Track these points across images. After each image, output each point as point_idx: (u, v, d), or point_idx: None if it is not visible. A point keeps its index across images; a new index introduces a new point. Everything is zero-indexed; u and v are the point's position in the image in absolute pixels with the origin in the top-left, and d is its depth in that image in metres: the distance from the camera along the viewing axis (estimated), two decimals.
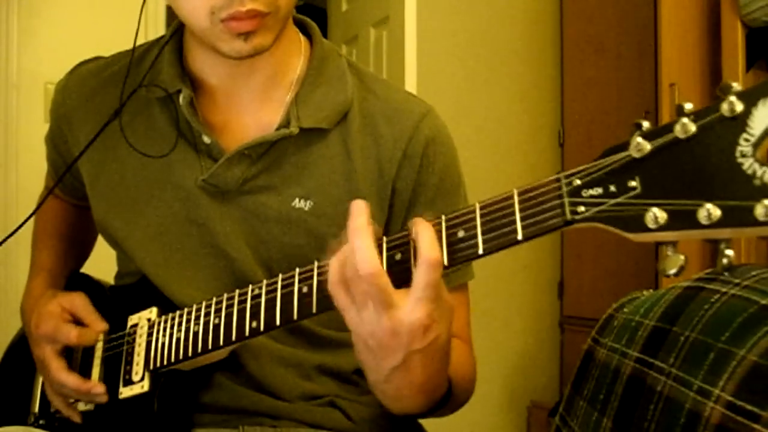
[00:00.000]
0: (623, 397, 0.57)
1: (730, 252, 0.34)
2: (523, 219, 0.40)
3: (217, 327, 0.55)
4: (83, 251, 0.82)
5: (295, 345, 0.64)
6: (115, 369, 0.63)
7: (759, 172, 0.33)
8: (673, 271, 0.36)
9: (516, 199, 0.41)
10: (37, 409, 0.69)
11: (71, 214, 0.80)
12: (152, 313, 0.63)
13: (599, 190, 0.38)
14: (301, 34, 0.66)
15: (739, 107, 0.34)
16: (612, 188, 0.37)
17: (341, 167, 0.62)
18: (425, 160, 0.64)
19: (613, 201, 0.37)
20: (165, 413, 0.60)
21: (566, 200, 0.39)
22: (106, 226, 0.67)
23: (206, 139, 0.62)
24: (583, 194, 0.38)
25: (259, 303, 0.53)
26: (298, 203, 0.61)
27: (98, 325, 0.64)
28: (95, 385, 0.62)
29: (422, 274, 0.42)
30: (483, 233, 0.42)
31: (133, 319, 0.64)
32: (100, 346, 0.66)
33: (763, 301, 0.48)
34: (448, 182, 0.66)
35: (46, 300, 0.67)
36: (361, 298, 0.44)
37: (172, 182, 0.63)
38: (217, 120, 0.64)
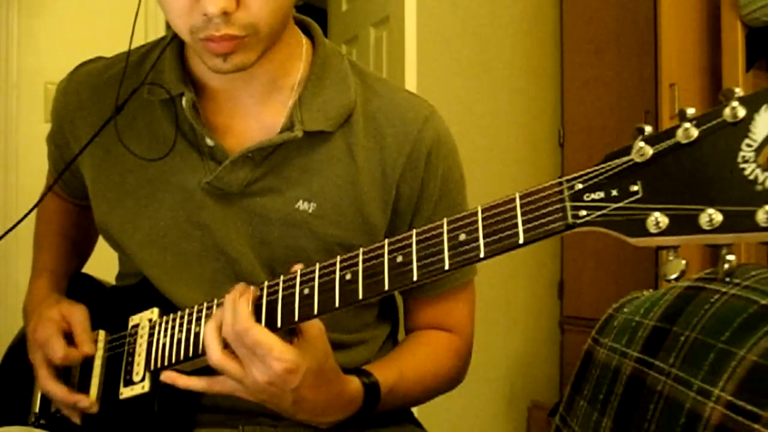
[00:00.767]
0: (623, 397, 0.57)
1: (731, 257, 0.34)
2: (524, 223, 0.40)
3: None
4: (85, 251, 0.82)
5: None
6: (116, 369, 0.64)
7: (761, 178, 0.33)
8: (674, 276, 0.36)
9: (518, 202, 0.41)
10: (37, 409, 0.70)
11: (73, 214, 0.80)
12: (153, 313, 0.63)
13: (601, 195, 0.38)
14: (302, 35, 0.66)
15: (742, 113, 0.34)
16: (614, 192, 0.37)
17: (345, 170, 0.62)
18: (429, 164, 0.64)
19: (614, 205, 0.37)
20: (165, 414, 0.60)
21: (568, 204, 0.39)
22: (107, 228, 0.67)
23: (209, 142, 0.62)
24: (585, 198, 0.38)
25: (260, 305, 0.53)
26: (301, 205, 0.61)
27: (86, 347, 0.64)
28: (81, 398, 0.62)
29: (243, 341, 0.50)
30: (484, 236, 0.42)
31: (134, 320, 0.64)
32: (101, 346, 0.66)
33: (763, 301, 0.49)
34: (451, 185, 0.66)
35: (49, 304, 0.67)
36: (248, 359, 0.51)
37: (174, 184, 0.63)
38: (219, 122, 0.64)
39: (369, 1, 1.92)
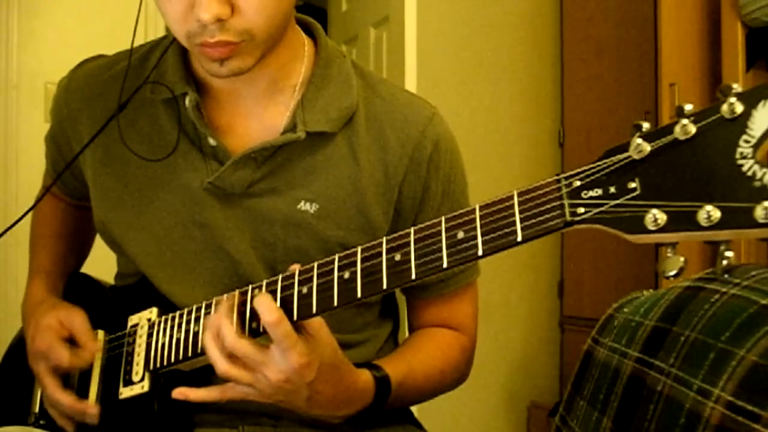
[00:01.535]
0: (623, 397, 0.57)
1: (729, 254, 0.34)
2: (522, 220, 0.40)
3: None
4: (82, 251, 0.82)
5: None
6: (116, 369, 0.63)
7: (759, 174, 0.33)
8: (672, 273, 0.36)
9: (516, 200, 0.41)
10: (37, 409, 0.69)
11: (69, 214, 0.80)
12: (152, 313, 0.63)
13: (599, 192, 0.38)
14: (305, 36, 0.66)
15: (740, 108, 0.34)
16: (612, 189, 0.37)
17: (347, 170, 0.62)
18: (432, 165, 0.64)
19: (612, 202, 0.37)
20: (165, 413, 0.60)
21: (566, 201, 0.39)
22: (107, 227, 0.67)
23: (212, 142, 0.62)
24: (583, 195, 0.38)
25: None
26: (303, 206, 0.61)
27: (91, 352, 0.64)
28: (90, 406, 0.62)
29: (271, 334, 0.50)
30: (483, 234, 0.42)
31: (133, 320, 0.64)
32: (100, 346, 0.66)
33: (763, 301, 0.48)
34: (454, 185, 0.66)
35: (45, 310, 0.67)
36: (258, 362, 0.51)
37: (176, 184, 0.63)
38: (222, 122, 0.64)
39: (369, 1, 1.92)
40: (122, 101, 0.64)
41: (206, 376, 0.61)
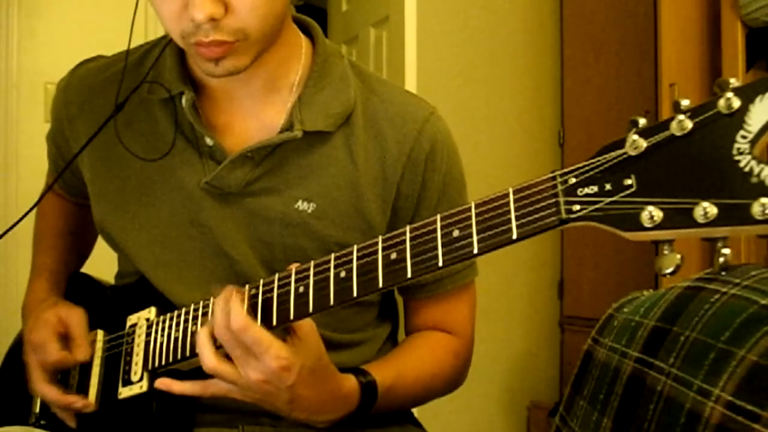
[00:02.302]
0: (623, 397, 0.56)
1: (726, 250, 0.34)
2: (518, 218, 0.40)
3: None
4: (84, 250, 0.82)
5: None
6: (115, 369, 0.63)
7: (756, 170, 0.32)
8: (669, 270, 0.36)
9: (511, 197, 0.41)
10: (38, 409, 0.69)
11: (72, 213, 0.80)
12: (151, 313, 0.63)
13: (594, 189, 0.37)
14: (302, 35, 0.66)
15: (737, 103, 0.33)
16: (607, 186, 0.37)
17: (344, 170, 0.62)
18: (429, 164, 0.64)
19: (608, 199, 0.37)
20: (164, 413, 0.60)
21: (561, 199, 0.39)
22: (106, 227, 0.67)
23: (209, 141, 0.62)
24: (579, 193, 0.38)
25: (256, 303, 0.53)
26: (300, 205, 0.61)
27: (80, 354, 0.63)
28: (75, 400, 0.62)
29: (242, 340, 0.50)
30: (478, 232, 0.41)
31: (131, 319, 0.64)
32: (100, 346, 0.66)
33: (763, 301, 0.48)
34: (451, 185, 0.66)
35: (47, 306, 0.67)
36: (242, 359, 0.51)
37: (173, 184, 0.63)
38: (219, 122, 0.64)
39: (369, 1, 1.92)
40: (119, 101, 0.64)
41: (205, 375, 0.61)
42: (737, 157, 0.33)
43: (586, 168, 0.38)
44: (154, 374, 0.60)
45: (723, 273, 0.32)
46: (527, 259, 1.92)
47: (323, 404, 0.55)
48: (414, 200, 0.64)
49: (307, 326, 0.52)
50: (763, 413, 0.42)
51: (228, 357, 0.52)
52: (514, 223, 0.40)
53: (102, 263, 0.79)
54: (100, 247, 0.76)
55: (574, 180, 0.38)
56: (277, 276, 0.52)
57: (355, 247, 0.48)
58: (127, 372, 0.62)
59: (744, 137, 0.33)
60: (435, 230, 0.44)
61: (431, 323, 0.69)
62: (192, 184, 0.63)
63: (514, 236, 0.40)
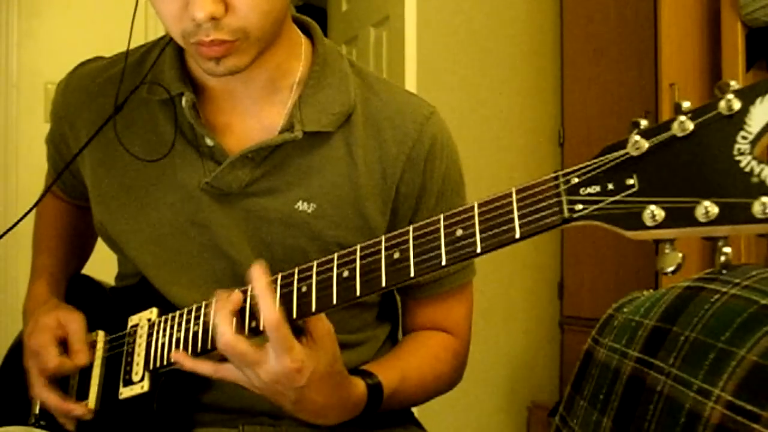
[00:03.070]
0: (623, 397, 0.56)
1: (727, 249, 0.34)
2: (521, 217, 0.40)
3: (216, 327, 0.55)
4: (84, 252, 0.82)
5: None
6: (116, 369, 0.63)
7: (756, 170, 0.33)
8: (670, 269, 0.36)
9: (514, 197, 0.41)
10: (38, 410, 0.69)
11: (72, 215, 0.80)
12: (152, 313, 0.63)
13: (597, 188, 0.38)
14: (302, 35, 0.66)
15: (737, 105, 0.34)
16: (610, 186, 0.37)
17: (344, 170, 0.62)
18: (429, 164, 0.64)
19: (610, 199, 0.37)
20: (165, 413, 0.60)
21: (564, 198, 0.39)
22: (106, 228, 0.67)
23: (209, 142, 0.62)
24: (581, 192, 0.38)
25: (258, 303, 0.53)
26: (300, 206, 0.61)
27: (79, 359, 0.63)
28: (75, 407, 0.62)
29: (269, 334, 0.49)
30: (481, 231, 0.42)
31: (133, 320, 0.64)
32: (101, 346, 0.66)
33: (763, 301, 0.48)
34: (451, 185, 0.66)
35: (47, 309, 0.67)
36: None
37: (174, 184, 0.63)
38: (219, 122, 0.64)
39: (369, 1, 1.92)
40: (119, 102, 0.64)
41: (205, 377, 0.61)
42: (738, 158, 0.33)
43: (589, 168, 0.38)
44: (155, 374, 0.60)
45: (724, 272, 0.32)
46: (527, 259, 1.92)
47: (330, 409, 0.55)
48: (413, 200, 0.64)
49: (323, 329, 0.52)
50: (763, 413, 0.42)
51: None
52: (517, 223, 0.40)
53: (102, 265, 0.79)
54: (100, 248, 0.76)
55: (576, 180, 0.39)
56: (279, 276, 0.52)
57: (359, 247, 0.48)
58: (128, 372, 0.62)
59: (744, 138, 0.33)
60: (438, 230, 0.44)
61: (430, 323, 0.69)
62: (192, 185, 0.63)
63: (517, 235, 0.40)
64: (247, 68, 0.56)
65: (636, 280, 1.62)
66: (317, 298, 0.49)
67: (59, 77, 0.72)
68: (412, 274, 0.44)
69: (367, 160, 0.63)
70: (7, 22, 1.68)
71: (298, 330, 0.52)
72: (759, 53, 1.47)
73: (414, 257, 0.44)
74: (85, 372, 0.65)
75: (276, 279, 0.52)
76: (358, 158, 0.62)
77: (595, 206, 0.38)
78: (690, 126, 0.35)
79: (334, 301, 0.48)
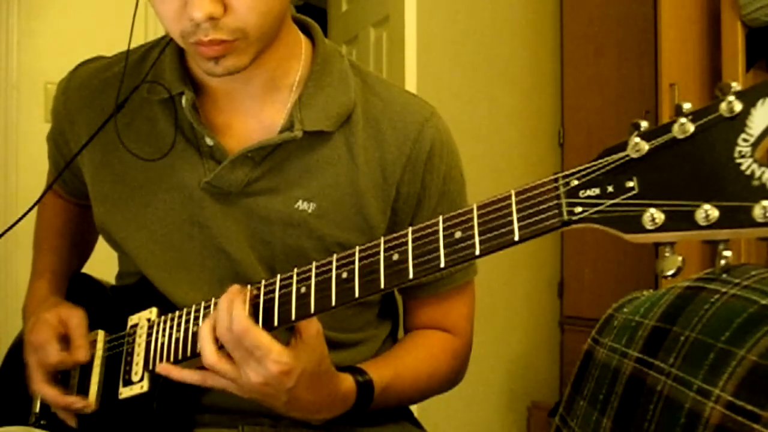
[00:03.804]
0: (623, 397, 0.56)
1: (728, 253, 0.34)
2: (520, 220, 0.40)
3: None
4: (85, 251, 0.82)
5: None
6: (115, 369, 0.63)
7: (757, 173, 0.33)
8: (670, 272, 0.36)
9: (513, 199, 0.41)
10: (38, 409, 0.69)
11: (73, 213, 0.80)
12: (152, 313, 0.63)
13: (596, 191, 0.37)
14: (302, 35, 0.66)
15: (738, 107, 0.34)
16: (609, 189, 0.37)
17: (344, 170, 0.62)
18: (429, 165, 0.64)
19: (610, 202, 0.37)
20: (164, 413, 0.60)
21: (563, 201, 0.39)
22: (106, 227, 0.67)
23: (209, 141, 0.62)
24: (581, 195, 0.38)
25: (258, 304, 0.53)
26: (301, 205, 0.61)
27: (80, 355, 0.63)
28: (75, 400, 0.62)
29: (243, 343, 0.50)
30: (480, 234, 0.42)
31: (133, 320, 0.64)
32: (100, 346, 0.66)
33: (763, 301, 0.48)
34: (451, 185, 0.66)
35: (48, 306, 0.67)
36: (243, 360, 0.51)
37: (174, 184, 0.63)
38: (219, 121, 0.64)
39: (369, 1, 1.92)
40: (119, 102, 0.64)
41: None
42: (739, 160, 0.33)
43: (588, 170, 0.38)
44: (154, 374, 0.60)
45: (724, 275, 0.32)
46: (527, 259, 1.92)
47: (320, 405, 0.56)
48: (414, 200, 0.64)
49: (312, 330, 0.52)
50: (763, 413, 0.42)
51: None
52: (516, 225, 0.40)
53: (102, 264, 0.79)
54: (101, 247, 0.76)
55: (576, 182, 0.38)
56: (279, 277, 0.52)
57: (357, 248, 0.48)
58: (128, 372, 0.62)
59: (745, 140, 0.33)
60: (437, 231, 0.44)
61: (430, 322, 0.69)
62: (192, 184, 0.63)
63: (516, 238, 0.40)
64: (247, 68, 0.56)
65: (636, 280, 1.62)
66: (316, 299, 0.49)
67: (59, 77, 0.72)
68: (410, 276, 0.44)
69: (368, 160, 0.63)
70: (7, 22, 1.68)
71: (289, 330, 0.52)
72: (759, 53, 1.47)
73: (413, 259, 0.44)
74: (85, 372, 0.65)
75: (275, 280, 0.52)
76: (358, 158, 0.62)
77: (595, 209, 0.37)
78: (691, 128, 0.35)
79: (333, 303, 0.48)
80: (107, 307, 0.69)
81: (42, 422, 0.68)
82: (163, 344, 0.59)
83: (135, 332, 0.63)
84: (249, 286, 0.54)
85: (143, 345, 0.62)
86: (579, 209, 0.38)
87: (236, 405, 0.62)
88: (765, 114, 0.33)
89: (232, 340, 0.51)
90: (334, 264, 0.49)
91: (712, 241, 0.35)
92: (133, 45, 0.67)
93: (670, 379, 0.51)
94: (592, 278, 1.83)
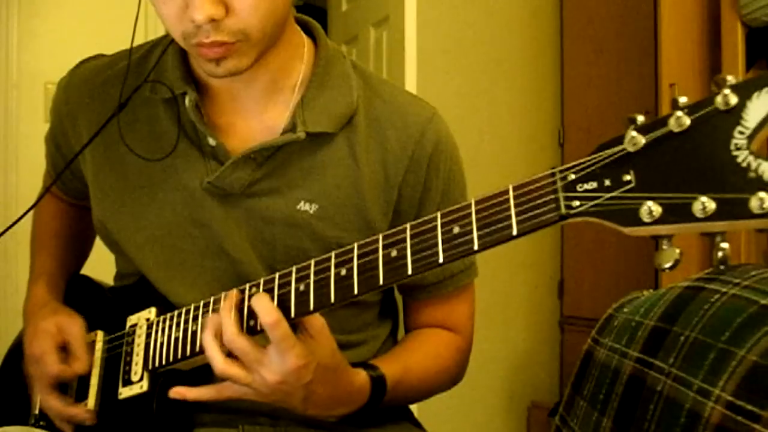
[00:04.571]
0: (623, 397, 0.56)
1: (725, 245, 0.34)
2: (518, 214, 0.40)
3: (208, 325, 0.55)
4: (83, 252, 0.82)
5: None
6: (115, 369, 0.63)
7: (753, 165, 0.33)
8: (668, 265, 0.36)
9: (511, 194, 0.41)
10: (37, 410, 0.69)
11: (70, 214, 0.80)
12: (151, 313, 0.63)
13: (594, 185, 0.38)
14: (304, 36, 0.66)
15: (734, 100, 0.34)
16: (607, 182, 0.37)
17: (347, 171, 0.62)
18: (432, 166, 0.64)
19: (607, 195, 0.37)
20: (164, 413, 0.60)
21: (561, 195, 0.39)
22: (106, 227, 0.67)
23: (212, 142, 0.62)
24: (578, 189, 0.38)
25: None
26: (303, 206, 0.62)
27: (80, 365, 0.64)
28: (79, 412, 0.63)
29: (270, 335, 0.50)
30: (478, 229, 0.42)
31: (132, 320, 0.64)
32: (100, 347, 0.66)
33: (763, 301, 0.48)
34: (453, 186, 0.66)
35: (46, 314, 0.67)
36: (255, 361, 0.51)
37: (176, 184, 0.63)
38: (222, 122, 0.64)
39: (369, 1, 1.92)
40: (122, 100, 0.64)
41: (205, 375, 0.61)
42: (735, 153, 0.33)
43: (586, 164, 0.38)
44: (154, 374, 0.60)
45: (722, 267, 0.32)
46: (527, 258, 1.92)
47: (337, 399, 0.56)
48: (416, 202, 0.64)
49: (318, 324, 0.52)
50: (763, 413, 0.42)
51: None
52: (514, 219, 0.40)
53: (101, 264, 0.78)
54: (100, 248, 0.76)
55: (573, 176, 0.39)
56: (277, 275, 0.52)
57: (356, 245, 0.48)
58: (128, 372, 0.62)
59: (741, 133, 0.33)
60: (435, 227, 0.44)
61: (434, 321, 0.69)
62: (194, 185, 0.63)
63: (514, 232, 0.40)
64: (248, 70, 0.56)
65: (636, 280, 1.62)
66: (315, 297, 0.49)
67: (59, 77, 0.72)
68: (409, 272, 0.44)
69: (370, 161, 0.63)
70: (7, 22, 1.68)
71: (295, 328, 0.52)
72: (759, 53, 1.47)
73: (411, 255, 0.44)
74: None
75: (274, 278, 0.52)
76: (360, 159, 0.62)
77: (592, 202, 0.38)
78: (687, 121, 0.35)
79: (332, 300, 0.48)
80: (106, 308, 0.69)
81: (42, 423, 0.68)
82: (162, 344, 0.59)
83: (134, 332, 0.63)
84: (247, 284, 0.54)
85: (142, 345, 0.61)
86: (577, 203, 0.38)
87: (236, 404, 0.62)
88: (761, 106, 0.33)
89: (243, 344, 0.51)
90: (333, 261, 0.49)
91: (710, 234, 0.35)
92: (134, 44, 0.67)
93: (670, 379, 0.51)
94: (592, 278, 1.83)
